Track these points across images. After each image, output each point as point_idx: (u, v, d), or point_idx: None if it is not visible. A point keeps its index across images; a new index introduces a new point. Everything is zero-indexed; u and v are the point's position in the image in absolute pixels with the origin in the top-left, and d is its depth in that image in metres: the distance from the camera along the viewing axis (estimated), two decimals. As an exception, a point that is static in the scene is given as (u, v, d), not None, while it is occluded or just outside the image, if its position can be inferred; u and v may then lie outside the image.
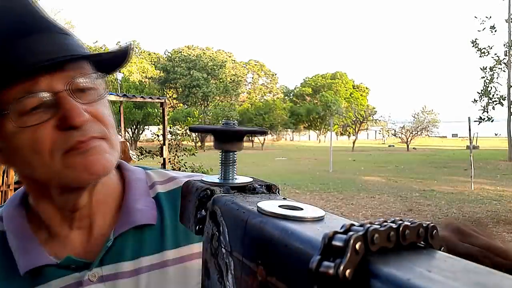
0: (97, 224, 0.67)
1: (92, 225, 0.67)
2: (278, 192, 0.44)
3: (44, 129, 0.57)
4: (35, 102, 0.57)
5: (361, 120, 31.24)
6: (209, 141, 28.22)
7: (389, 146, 30.69)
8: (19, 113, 0.57)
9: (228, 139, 0.44)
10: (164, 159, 10.01)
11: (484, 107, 21.49)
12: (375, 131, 51.63)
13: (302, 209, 0.34)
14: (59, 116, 0.57)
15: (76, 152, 0.58)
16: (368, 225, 0.24)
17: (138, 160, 10.51)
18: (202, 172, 6.49)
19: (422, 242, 0.25)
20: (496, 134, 26.14)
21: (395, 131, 33.74)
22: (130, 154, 7.22)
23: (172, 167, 10.19)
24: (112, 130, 0.63)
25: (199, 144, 28.14)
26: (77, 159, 0.58)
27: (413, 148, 30.53)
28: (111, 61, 0.67)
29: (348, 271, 0.22)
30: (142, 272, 0.65)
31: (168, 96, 36.48)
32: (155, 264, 0.66)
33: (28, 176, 0.64)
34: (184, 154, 11.31)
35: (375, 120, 34.64)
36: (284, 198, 0.39)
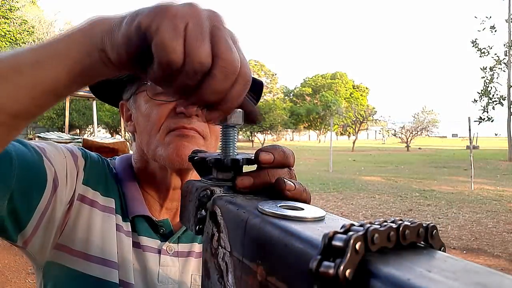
0: None
1: (178, 210, 0.77)
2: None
3: (164, 108, 0.70)
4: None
5: (361, 120, 31.22)
6: (209, 141, 28.15)
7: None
8: (152, 92, 0.71)
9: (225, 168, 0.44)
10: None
11: (484, 107, 21.49)
12: (375, 131, 51.60)
13: (302, 209, 0.34)
14: (178, 102, 0.69)
15: (175, 133, 0.70)
16: (368, 225, 0.24)
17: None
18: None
19: (422, 242, 0.25)
20: (496, 134, 26.14)
21: (395, 131, 33.73)
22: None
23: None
24: (213, 137, 0.73)
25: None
26: (173, 139, 0.69)
27: (419, 148, 30.50)
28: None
29: (348, 271, 0.22)
30: None
31: (168, 96, 36.31)
32: None
33: (143, 147, 0.75)
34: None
35: (375, 120, 34.61)
36: (284, 198, 0.39)
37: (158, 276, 0.72)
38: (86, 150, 0.77)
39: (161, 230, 0.75)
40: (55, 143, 0.72)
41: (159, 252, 0.74)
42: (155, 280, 0.72)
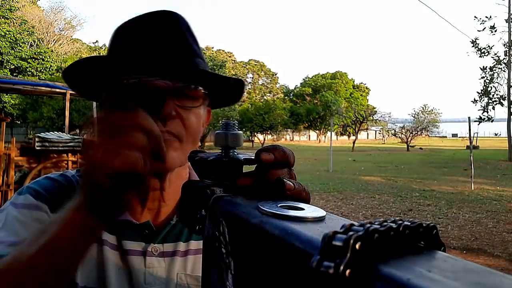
0: (164, 211, 0.77)
1: (160, 209, 0.77)
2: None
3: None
4: (149, 84, 0.67)
5: (361, 120, 31.21)
6: (209, 141, 28.22)
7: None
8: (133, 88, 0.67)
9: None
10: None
11: (484, 107, 21.50)
12: (375, 131, 51.61)
13: (302, 209, 0.34)
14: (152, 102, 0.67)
15: None
16: (368, 225, 0.24)
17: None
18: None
19: (422, 242, 0.25)
20: (496, 134, 26.17)
21: (395, 131, 33.74)
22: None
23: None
24: (191, 139, 0.71)
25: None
26: None
27: (420, 148, 30.48)
28: (225, 88, 0.78)
29: (348, 271, 0.22)
30: (190, 253, 0.76)
31: (168, 96, 36.25)
32: (200, 248, 0.75)
33: None
34: (184, 154, 11.26)
35: (375, 120, 34.61)
36: (284, 198, 0.39)
37: (144, 278, 0.72)
38: (38, 188, 0.74)
39: (144, 232, 0.75)
40: (13, 220, 0.69)
41: (144, 254, 0.74)
42: (142, 282, 0.72)
